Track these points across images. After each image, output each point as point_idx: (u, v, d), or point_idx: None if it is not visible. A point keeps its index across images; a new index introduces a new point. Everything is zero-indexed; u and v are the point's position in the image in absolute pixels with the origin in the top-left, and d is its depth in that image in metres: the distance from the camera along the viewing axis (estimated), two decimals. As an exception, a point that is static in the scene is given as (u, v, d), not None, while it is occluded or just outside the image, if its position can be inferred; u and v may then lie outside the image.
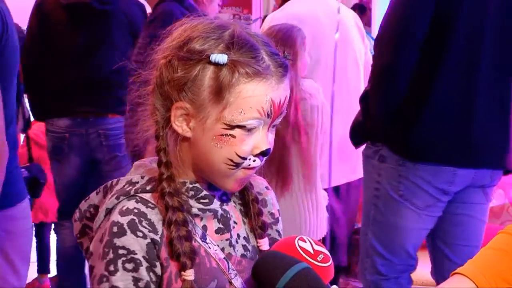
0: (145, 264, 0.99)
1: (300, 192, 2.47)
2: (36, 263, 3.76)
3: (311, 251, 1.03)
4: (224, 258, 1.06)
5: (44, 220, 3.64)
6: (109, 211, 1.03)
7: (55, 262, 3.48)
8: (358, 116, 2.31)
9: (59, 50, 2.93)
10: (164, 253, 1.00)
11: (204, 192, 1.06)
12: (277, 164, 2.36)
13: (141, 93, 1.07)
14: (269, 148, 1.03)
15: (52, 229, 3.70)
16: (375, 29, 5.33)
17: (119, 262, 0.97)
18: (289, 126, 2.35)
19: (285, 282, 0.96)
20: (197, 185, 1.06)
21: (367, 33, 3.58)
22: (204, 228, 1.06)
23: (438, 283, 2.30)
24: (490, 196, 2.31)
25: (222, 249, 1.07)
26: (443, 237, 2.30)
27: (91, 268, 1.03)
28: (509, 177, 3.35)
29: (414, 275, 3.22)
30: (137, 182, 1.05)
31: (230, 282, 1.06)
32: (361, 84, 3.16)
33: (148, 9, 3.19)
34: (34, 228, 3.65)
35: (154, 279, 1.00)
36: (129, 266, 0.98)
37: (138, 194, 1.03)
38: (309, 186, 2.48)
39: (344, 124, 2.68)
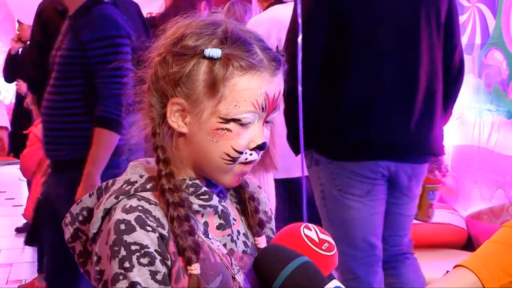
0: (158, 257, 0.98)
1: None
2: (36, 263, 3.77)
3: (316, 239, 1.02)
4: (227, 253, 1.06)
5: None
6: (107, 212, 1.02)
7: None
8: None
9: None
10: (172, 247, 1.00)
11: (204, 189, 1.06)
12: None
13: (136, 92, 1.07)
14: (265, 142, 1.03)
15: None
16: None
17: (134, 258, 0.96)
18: None
19: (285, 276, 0.96)
20: (196, 181, 1.06)
21: None
22: (206, 224, 1.06)
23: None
24: (415, 190, 2.39)
25: (224, 245, 1.07)
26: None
27: (101, 273, 1.01)
28: (510, 177, 3.36)
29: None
30: (136, 182, 1.04)
31: (234, 278, 1.06)
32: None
33: (144, 10, 3.28)
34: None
35: (167, 272, 0.99)
36: (144, 260, 0.96)
37: (138, 193, 1.02)
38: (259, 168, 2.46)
39: None
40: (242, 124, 1.00)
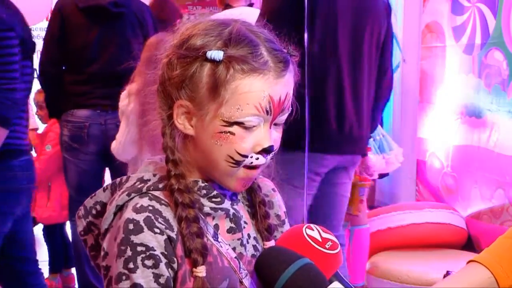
0: (164, 260, 0.98)
1: None
2: (47, 262, 3.78)
3: (319, 239, 1.02)
4: (235, 257, 1.06)
5: (57, 220, 3.67)
6: (119, 208, 1.02)
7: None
8: None
9: (77, 49, 3.15)
10: (179, 250, 0.99)
11: (216, 191, 1.05)
12: None
13: (149, 92, 1.07)
14: (272, 146, 1.02)
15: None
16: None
17: (138, 259, 0.96)
18: None
19: (287, 278, 0.96)
20: (208, 184, 1.05)
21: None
22: (216, 227, 1.06)
23: None
24: (352, 175, 2.82)
25: (234, 249, 1.06)
26: (315, 212, 2.71)
27: (107, 268, 1.01)
28: (510, 177, 3.36)
29: (414, 275, 3.22)
30: (149, 180, 1.04)
31: (241, 282, 1.05)
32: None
33: None
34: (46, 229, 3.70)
35: (172, 275, 0.99)
36: (149, 262, 0.96)
37: (150, 192, 1.02)
38: None
39: None
40: (246, 128, 0.99)
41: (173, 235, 0.99)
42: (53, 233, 3.73)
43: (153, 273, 0.96)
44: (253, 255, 1.09)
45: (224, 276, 1.03)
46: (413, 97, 4.46)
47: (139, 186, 1.03)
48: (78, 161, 3.19)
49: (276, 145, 1.04)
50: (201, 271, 0.99)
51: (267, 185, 1.18)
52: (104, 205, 1.08)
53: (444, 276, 1.28)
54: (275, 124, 1.03)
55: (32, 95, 3.64)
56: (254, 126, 1.00)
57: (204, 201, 1.04)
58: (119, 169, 2.77)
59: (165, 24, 2.22)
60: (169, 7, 3.91)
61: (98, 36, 3.14)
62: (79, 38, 3.14)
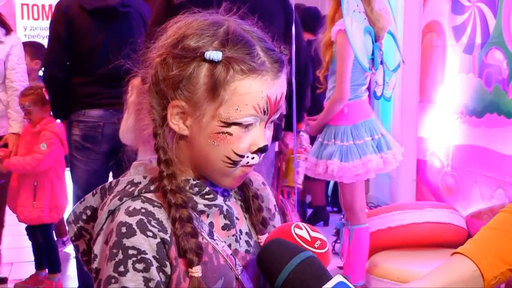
0: (155, 264, 0.97)
1: None
2: (33, 262, 3.78)
3: (308, 238, 1.03)
4: (231, 254, 1.06)
5: (46, 221, 3.66)
6: (111, 213, 1.01)
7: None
8: None
9: (86, 51, 3.14)
10: (173, 252, 0.99)
11: (208, 188, 1.05)
12: None
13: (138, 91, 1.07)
14: (267, 145, 1.02)
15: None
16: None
17: (129, 262, 0.96)
18: None
19: (289, 270, 0.96)
20: (200, 181, 1.05)
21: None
22: (211, 225, 1.06)
23: None
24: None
25: (229, 245, 1.07)
26: None
27: (97, 271, 1.00)
28: (510, 177, 3.36)
29: (414, 275, 3.22)
30: (140, 183, 1.04)
31: (237, 278, 1.05)
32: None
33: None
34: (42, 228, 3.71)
35: (163, 279, 0.99)
36: (140, 266, 0.96)
37: (142, 194, 1.02)
38: None
39: None
40: (243, 128, 0.99)
41: (166, 237, 0.99)
42: (35, 233, 3.72)
43: (143, 277, 0.96)
44: (246, 251, 1.10)
45: (219, 275, 1.03)
46: (413, 97, 4.46)
47: (130, 190, 1.02)
48: (89, 161, 3.21)
49: (269, 144, 1.04)
50: (196, 271, 0.99)
51: (258, 179, 1.19)
52: (94, 210, 1.07)
53: None
54: (269, 123, 1.04)
55: (15, 100, 3.67)
56: (251, 126, 1.00)
57: (197, 198, 1.04)
58: (120, 164, 2.81)
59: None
60: None
61: (107, 37, 3.14)
62: (88, 41, 3.14)
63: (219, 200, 1.07)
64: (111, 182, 1.08)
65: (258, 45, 1.00)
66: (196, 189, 1.05)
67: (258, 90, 0.98)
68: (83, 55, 3.16)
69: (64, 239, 4.45)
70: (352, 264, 3.25)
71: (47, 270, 3.78)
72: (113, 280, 0.96)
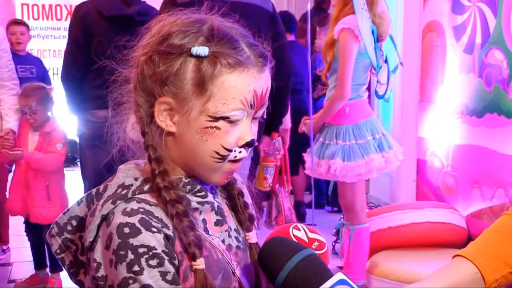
0: (166, 257, 0.97)
1: None
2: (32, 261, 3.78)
3: (306, 239, 1.04)
4: (226, 249, 1.07)
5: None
6: (104, 218, 0.99)
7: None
8: None
9: (102, 55, 3.12)
10: (178, 246, 0.99)
11: (199, 186, 1.06)
12: None
13: (122, 91, 1.06)
14: (254, 139, 1.03)
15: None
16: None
17: (142, 260, 0.94)
18: None
19: (290, 268, 0.97)
20: (191, 179, 1.06)
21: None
22: (204, 221, 1.07)
23: None
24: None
25: (223, 241, 1.08)
26: None
27: (104, 278, 0.98)
28: (510, 177, 3.36)
29: (414, 274, 3.22)
30: (131, 185, 1.03)
31: (234, 273, 1.06)
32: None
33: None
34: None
35: (175, 271, 0.98)
36: (153, 262, 0.95)
37: (136, 196, 1.01)
38: None
39: None
40: (231, 122, 1.00)
41: (169, 232, 0.99)
42: (41, 233, 3.71)
43: (159, 271, 0.95)
44: (237, 247, 1.10)
45: (219, 269, 1.04)
46: (414, 97, 4.46)
47: (123, 193, 1.02)
48: (98, 158, 3.30)
49: (256, 138, 1.05)
50: (200, 263, 0.99)
51: (238, 178, 1.20)
52: (80, 220, 1.06)
53: None
54: (254, 118, 1.05)
55: (11, 101, 3.61)
56: (238, 120, 1.01)
57: (190, 196, 1.05)
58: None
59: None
60: None
61: (123, 43, 3.20)
62: (103, 45, 3.18)
63: (210, 197, 1.08)
64: (98, 188, 1.07)
65: (242, 41, 1.01)
66: (189, 187, 1.05)
67: (245, 83, 0.99)
68: (98, 57, 3.21)
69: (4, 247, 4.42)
70: (352, 264, 3.25)
71: (48, 269, 3.77)
72: (131, 281, 0.94)
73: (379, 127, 3.21)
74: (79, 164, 3.71)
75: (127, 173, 1.06)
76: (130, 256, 0.95)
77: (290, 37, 5.06)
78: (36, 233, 3.69)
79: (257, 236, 1.14)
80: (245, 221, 1.13)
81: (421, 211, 3.68)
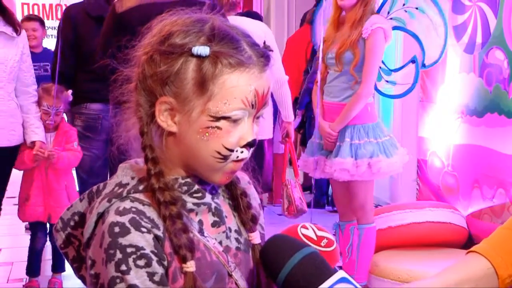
0: (155, 258, 0.97)
1: None
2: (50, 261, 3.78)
3: (314, 237, 1.05)
4: (223, 251, 1.06)
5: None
6: (100, 215, 1.00)
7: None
8: None
9: (90, 53, 3.32)
10: (168, 248, 0.99)
11: (197, 187, 1.06)
12: None
13: (123, 91, 1.06)
14: (255, 139, 1.03)
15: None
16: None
17: (130, 260, 0.95)
18: None
19: (292, 265, 0.97)
20: (188, 180, 1.05)
21: None
22: (200, 222, 1.06)
23: None
24: None
25: (220, 242, 1.07)
26: None
27: (96, 276, 0.99)
28: (510, 176, 3.35)
29: (414, 274, 3.22)
30: (128, 184, 1.03)
31: (230, 275, 1.06)
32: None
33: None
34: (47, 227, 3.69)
35: (164, 272, 0.99)
36: (141, 262, 0.95)
37: (131, 195, 1.02)
38: None
39: None
40: (232, 122, 1.00)
41: (159, 233, 0.99)
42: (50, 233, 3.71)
43: (146, 272, 0.96)
44: (237, 248, 1.10)
45: (212, 271, 1.03)
46: (414, 96, 4.46)
47: (119, 191, 1.02)
48: (91, 147, 3.56)
49: (257, 138, 1.05)
50: (190, 266, 0.99)
51: (244, 178, 1.19)
52: (82, 215, 1.07)
53: None
54: (256, 118, 1.04)
55: (34, 109, 3.52)
56: (239, 120, 1.01)
57: (186, 197, 1.04)
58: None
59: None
60: None
61: None
62: (92, 43, 3.28)
63: (208, 198, 1.07)
64: (98, 186, 1.07)
65: (243, 40, 1.01)
66: (185, 188, 1.05)
67: (246, 83, 0.99)
68: (87, 55, 3.39)
69: None
70: (358, 264, 3.24)
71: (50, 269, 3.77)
72: (117, 280, 0.95)
73: (385, 130, 3.24)
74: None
75: (126, 172, 1.06)
76: (118, 255, 0.95)
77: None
78: (48, 233, 3.70)
79: (261, 237, 1.13)
80: (248, 222, 1.12)
81: (421, 211, 3.68)
